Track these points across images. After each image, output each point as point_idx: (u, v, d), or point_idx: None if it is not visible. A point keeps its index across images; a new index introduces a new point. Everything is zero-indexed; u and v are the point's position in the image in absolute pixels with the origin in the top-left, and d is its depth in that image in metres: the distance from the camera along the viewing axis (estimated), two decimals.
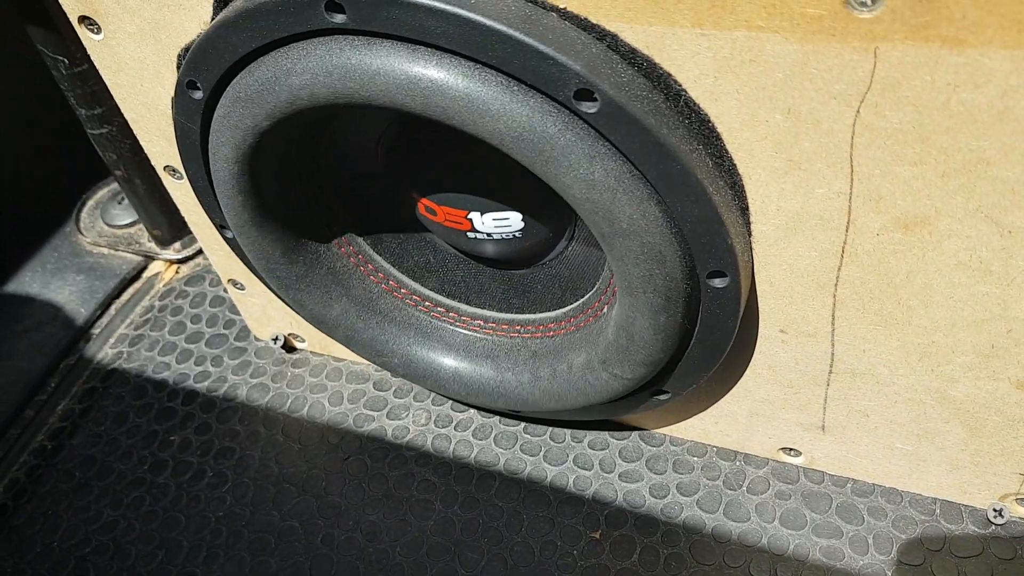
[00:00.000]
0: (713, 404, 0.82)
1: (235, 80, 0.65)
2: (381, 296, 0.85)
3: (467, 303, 0.86)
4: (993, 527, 0.78)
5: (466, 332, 0.85)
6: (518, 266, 0.83)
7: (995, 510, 0.77)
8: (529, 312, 0.84)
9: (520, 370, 0.81)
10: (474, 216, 0.74)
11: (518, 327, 0.84)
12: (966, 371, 0.66)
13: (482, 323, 0.85)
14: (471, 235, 0.76)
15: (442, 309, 0.86)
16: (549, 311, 0.82)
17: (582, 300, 0.79)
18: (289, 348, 1.05)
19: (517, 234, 0.74)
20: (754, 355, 0.74)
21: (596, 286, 0.77)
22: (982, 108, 0.49)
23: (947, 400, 0.69)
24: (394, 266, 0.85)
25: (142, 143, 0.82)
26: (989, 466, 0.74)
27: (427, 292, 0.86)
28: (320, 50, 0.59)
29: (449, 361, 0.85)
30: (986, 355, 0.64)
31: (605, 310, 0.75)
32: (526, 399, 0.82)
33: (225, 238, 0.86)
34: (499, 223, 0.74)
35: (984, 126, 0.50)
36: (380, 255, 0.85)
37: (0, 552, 0.91)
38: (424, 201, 0.75)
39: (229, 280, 0.98)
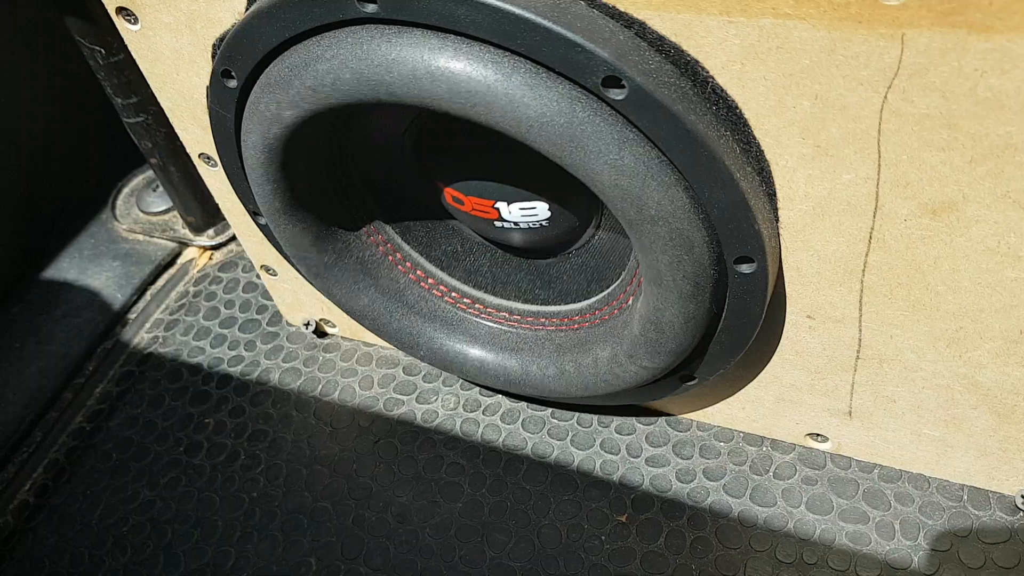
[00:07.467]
0: (740, 390, 0.82)
1: (267, 69, 0.66)
2: (408, 287, 0.86)
3: (493, 293, 0.86)
4: (1021, 513, 0.77)
5: (491, 324, 0.86)
6: (545, 255, 0.83)
7: (1023, 496, 0.77)
8: (554, 304, 0.84)
9: (545, 363, 0.82)
10: (501, 205, 0.74)
11: (543, 319, 0.84)
12: (994, 357, 0.66)
13: (507, 315, 0.86)
14: (498, 224, 0.76)
15: (468, 300, 0.87)
16: (574, 303, 0.83)
17: (607, 292, 0.80)
18: (320, 333, 1.06)
19: (544, 223, 0.75)
20: (781, 341, 0.74)
21: (622, 276, 0.77)
22: (1010, 94, 0.49)
23: (975, 386, 0.69)
24: (422, 255, 0.86)
25: (177, 131, 0.84)
26: (1017, 452, 0.74)
27: (453, 282, 0.86)
28: (350, 39, 0.60)
29: (475, 352, 0.86)
30: (1014, 341, 0.64)
31: (630, 302, 0.75)
32: (552, 390, 0.83)
33: (258, 225, 0.87)
34: (526, 212, 0.74)
35: (1012, 112, 0.50)
36: (408, 243, 0.85)
37: (41, 530, 0.93)
38: (451, 191, 0.76)
39: (262, 266, 0.99)
